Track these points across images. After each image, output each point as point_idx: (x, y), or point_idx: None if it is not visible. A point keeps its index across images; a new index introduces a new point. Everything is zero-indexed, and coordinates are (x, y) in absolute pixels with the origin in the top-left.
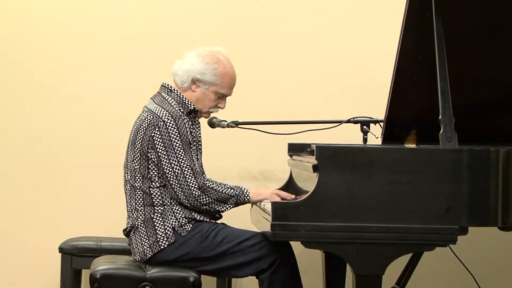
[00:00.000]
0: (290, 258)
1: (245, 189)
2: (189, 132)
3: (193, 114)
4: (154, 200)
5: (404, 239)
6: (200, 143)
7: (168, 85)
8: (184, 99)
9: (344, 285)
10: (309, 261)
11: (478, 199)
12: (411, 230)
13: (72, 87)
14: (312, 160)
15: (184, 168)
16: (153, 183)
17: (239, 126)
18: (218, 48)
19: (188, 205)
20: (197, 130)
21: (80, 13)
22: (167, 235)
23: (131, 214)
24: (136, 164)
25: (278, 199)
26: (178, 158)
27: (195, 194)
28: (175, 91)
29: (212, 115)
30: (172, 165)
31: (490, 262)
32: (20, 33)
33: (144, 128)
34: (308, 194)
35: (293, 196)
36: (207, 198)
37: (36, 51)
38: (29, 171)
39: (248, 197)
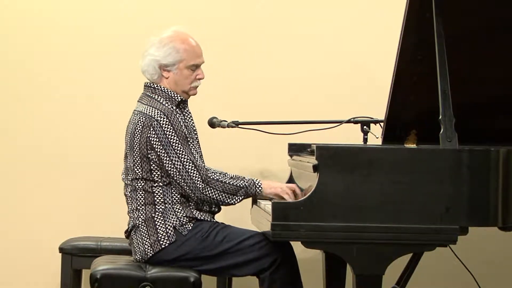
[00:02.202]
0: (291, 257)
1: (257, 180)
2: (183, 126)
3: (183, 104)
4: (156, 198)
5: (404, 239)
6: (195, 132)
7: (151, 83)
8: (170, 92)
9: (344, 285)
10: (309, 261)
11: (478, 199)
12: (411, 230)
13: (72, 87)
14: (312, 160)
15: (185, 162)
16: (156, 183)
17: (239, 126)
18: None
19: (196, 198)
20: (189, 120)
21: (80, 13)
22: (168, 234)
23: (131, 215)
24: (138, 168)
25: (288, 195)
26: (178, 154)
27: (200, 187)
28: (159, 87)
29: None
30: (173, 161)
31: (490, 262)
32: (20, 33)
33: (140, 131)
34: (308, 194)
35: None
36: (213, 191)
37: (36, 51)
38: (29, 171)
39: (260, 188)
